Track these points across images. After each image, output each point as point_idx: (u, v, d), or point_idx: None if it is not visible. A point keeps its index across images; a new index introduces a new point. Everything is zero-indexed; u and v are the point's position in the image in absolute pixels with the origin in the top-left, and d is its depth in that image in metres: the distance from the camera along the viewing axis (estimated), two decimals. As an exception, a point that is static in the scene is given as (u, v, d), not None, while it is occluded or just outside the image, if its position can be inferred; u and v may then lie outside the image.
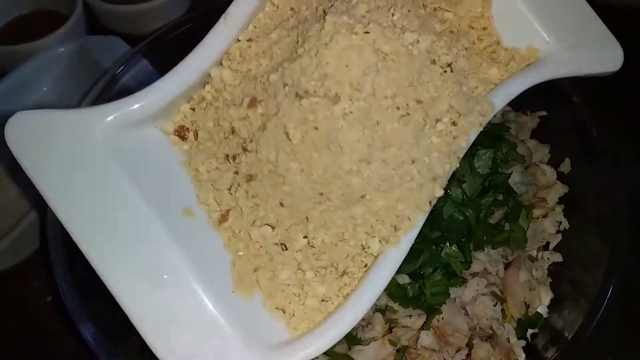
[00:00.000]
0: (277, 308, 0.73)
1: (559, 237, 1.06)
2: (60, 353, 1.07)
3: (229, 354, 0.67)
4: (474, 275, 0.93)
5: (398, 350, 0.87)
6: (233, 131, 0.75)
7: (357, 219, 0.72)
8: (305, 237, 0.73)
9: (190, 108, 0.78)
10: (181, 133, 0.77)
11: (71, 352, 1.07)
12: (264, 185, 0.72)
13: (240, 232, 0.74)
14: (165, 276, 0.69)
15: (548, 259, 1.03)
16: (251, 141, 0.72)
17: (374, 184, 0.71)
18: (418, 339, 0.88)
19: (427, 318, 0.89)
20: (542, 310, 0.99)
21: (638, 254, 1.22)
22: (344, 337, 0.85)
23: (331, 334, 0.70)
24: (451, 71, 0.75)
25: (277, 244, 0.73)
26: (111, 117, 0.72)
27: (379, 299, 0.88)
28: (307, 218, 0.72)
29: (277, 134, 0.70)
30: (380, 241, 0.72)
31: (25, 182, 1.14)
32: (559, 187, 1.06)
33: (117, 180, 0.70)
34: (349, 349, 0.87)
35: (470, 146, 0.97)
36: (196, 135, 0.77)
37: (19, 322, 1.11)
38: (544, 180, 1.06)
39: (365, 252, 0.73)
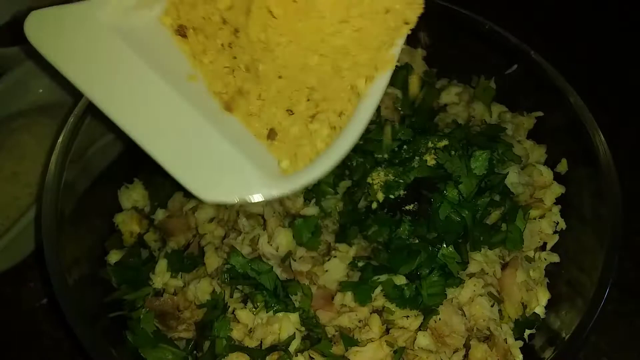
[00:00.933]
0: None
1: (556, 237, 1.05)
2: (56, 356, 1.07)
3: (250, 182, 0.76)
4: (471, 275, 0.93)
5: (395, 352, 0.87)
6: (224, 21, 0.81)
7: (345, 71, 0.79)
8: (307, 99, 0.80)
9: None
10: (181, 32, 0.84)
11: (67, 355, 1.06)
12: (260, 63, 0.79)
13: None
14: (181, 122, 0.78)
15: (545, 259, 1.03)
16: (240, 27, 0.79)
17: (356, 39, 0.78)
18: (415, 340, 0.88)
19: (424, 319, 0.89)
20: (540, 310, 0.99)
21: (634, 255, 1.22)
22: (341, 338, 0.86)
23: (336, 153, 0.78)
24: None
25: (285, 111, 0.81)
26: (110, 4, 0.81)
27: (375, 300, 0.89)
28: (304, 84, 0.79)
29: (261, 15, 0.76)
30: (365, 80, 0.79)
31: (22, 184, 1.16)
32: (555, 188, 1.06)
33: (125, 53, 0.79)
34: (346, 350, 0.86)
35: (467, 147, 0.98)
36: (195, 30, 0.83)
37: (14, 324, 1.10)
38: (540, 180, 1.06)
39: (353, 92, 0.80)
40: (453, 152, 0.96)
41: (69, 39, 0.79)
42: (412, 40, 1.21)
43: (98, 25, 0.80)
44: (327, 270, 0.91)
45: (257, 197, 0.76)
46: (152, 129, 0.77)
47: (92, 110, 1.01)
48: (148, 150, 0.77)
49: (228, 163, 0.77)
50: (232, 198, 0.77)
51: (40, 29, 0.79)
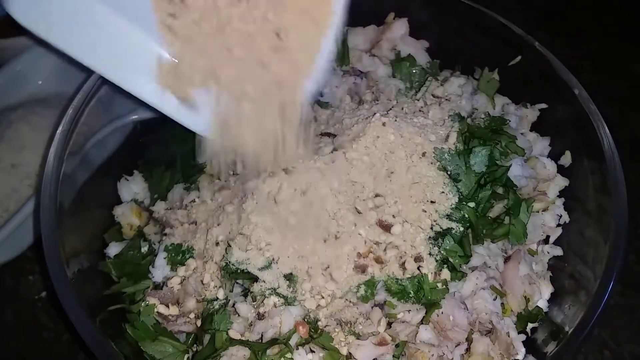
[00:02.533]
0: None
1: (559, 230, 1.05)
2: (55, 348, 1.06)
3: None
4: (474, 269, 0.92)
5: (397, 346, 0.87)
6: None
7: None
8: None
9: None
10: None
11: (66, 347, 1.06)
12: None
13: None
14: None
15: (548, 252, 1.03)
16: None
17: None
18: (417, 333, 0.87)
19: (426, 312, 0.88)
20: (542, 304, 0.98)
21: (637, 248, 1.22)
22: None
23: None
24: None
25: None
26: None
27: (377, 294, 0.88)
28: None
29: None
30: None
31: (21, 175, 1.15)
32: (559, 180, 1.05)
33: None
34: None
35: (467, 142, 0.97)
36: None
37: (13, 317, 1.10)
38: (544, 173, 1.05)
39: None
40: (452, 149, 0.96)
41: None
42: (415, 31, 1.20)
43: None
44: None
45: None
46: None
47: (92, 102, 1.01)
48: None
49: None
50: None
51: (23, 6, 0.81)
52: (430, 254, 0.89)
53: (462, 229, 0.91)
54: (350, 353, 0.86)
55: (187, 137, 1.12)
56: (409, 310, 0.89)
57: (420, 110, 1.04)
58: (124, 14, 0.84)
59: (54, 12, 0.82)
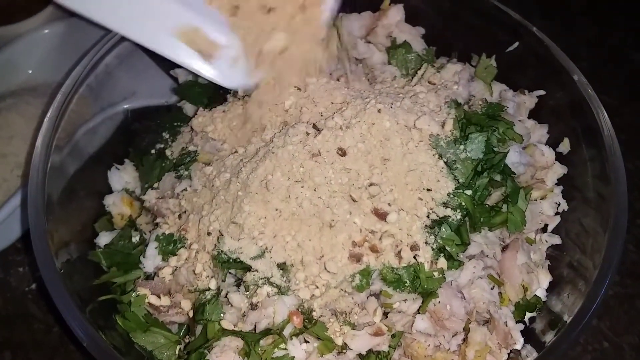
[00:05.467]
0: None
1: (558, 219, 1.03)
2: (46, 339, 1.05)
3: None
4: (471, 257, 0.90)
5: (393, 336, 0.85)
6: None
7: None
8: None
9: None
10: None
11: (57, 338, 1.05)
12: None
13: None
14: None
15: (546, 241, 1.01)
16: None
17: None
18: (413, 323, 0.86)
19: (422, 302, 0.87)
20: (541, 293, 0.97)
21: (635, 237, 1.21)
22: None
23: None
24: None
25: None
26: None
27: (373, 284, 0.87)
28: None
29: None
30: None
31: (10, 165, 1.14)
32: (557, 168, 1.04)
33: None
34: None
35: (463, 129, 0.95)
36: None
37: (3, 308, 1.09)
38: (542, 160, 1.03)
39: None
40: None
41: None
42: (411, 17, 1.19)
43: None
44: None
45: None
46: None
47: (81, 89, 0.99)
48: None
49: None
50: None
51: None
52: (426, 242, 0.87)
53: (459, 217, 0.89)
54: (345, 343, 0.84)
55: (178, 125, 1.11)
56: (405, 300, 0.87)
57: (416, 97, 1.02)
58: None
59: None
